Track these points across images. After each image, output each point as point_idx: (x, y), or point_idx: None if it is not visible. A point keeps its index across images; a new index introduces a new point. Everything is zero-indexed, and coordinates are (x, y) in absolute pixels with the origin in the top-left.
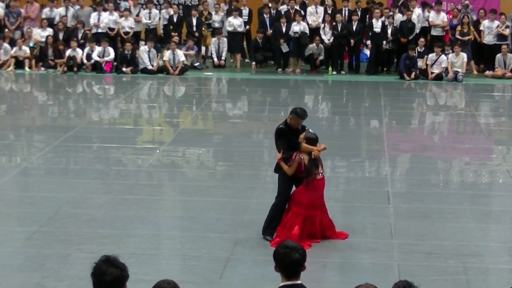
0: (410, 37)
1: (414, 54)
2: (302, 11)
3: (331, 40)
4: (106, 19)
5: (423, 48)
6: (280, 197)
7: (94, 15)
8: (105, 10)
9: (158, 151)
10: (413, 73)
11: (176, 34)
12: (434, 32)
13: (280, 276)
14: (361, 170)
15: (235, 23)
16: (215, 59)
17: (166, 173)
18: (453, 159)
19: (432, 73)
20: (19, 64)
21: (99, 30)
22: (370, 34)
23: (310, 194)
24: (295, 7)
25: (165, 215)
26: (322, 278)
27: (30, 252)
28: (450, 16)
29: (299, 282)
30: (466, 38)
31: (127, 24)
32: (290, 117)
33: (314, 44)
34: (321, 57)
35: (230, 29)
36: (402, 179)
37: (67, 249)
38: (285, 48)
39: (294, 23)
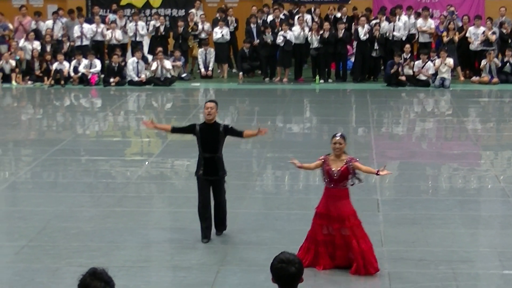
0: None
1: (400, 61)
2: (289, 20)
3: (316, 45)
4: (90, 30)
5: (409, 54)
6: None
7: (76, 27)
8: (87, 22)
9: (146, 162)
10: (403, 76)
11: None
12: (421, 39)
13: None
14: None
15: (222, 33)
16: (202, 70)
17: (155, 184)
18: (441, 165)
19: (419, 80)
20: (5, 78)
21: (84, 43)
22: (356, 41)
23: (322, 202)
24: (281, 16)
25: (155, 226)
26: (313, 287)
27: (19, 267)
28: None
29: None
30: (446, 39)
31: (115, 36)
32: None
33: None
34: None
35: (217, 39)
36: (391, 186)
37: (56, 263)
38: (268, 38)
39: (281, 32)
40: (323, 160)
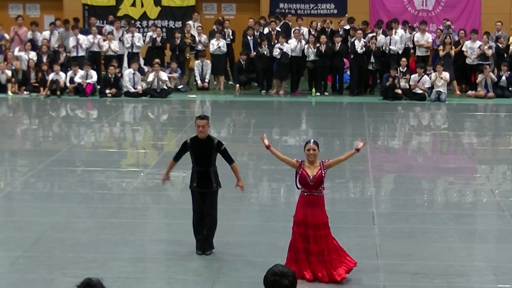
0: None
1: (397, 74)
2: (284, 33)
3: (313, 58)
4: (86, 41)
5: (405, 68)
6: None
7: (72, 39)
8: (82, 33)
9: (142, 174)
10: (399, 90)
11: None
12: (419, 53)
13: None
14: (346, 191)
15: (218, 45)
16: (199, 82)
17: (150, 196)
18: (437, 179)
19: (415, 93)
20: (1, 88)
21: (80, 54)
22: (352, 54)
23: (299, 209)
24: (277, 28)
25: (150, 238)
26: None
27: (15, 277)
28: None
29: None
30: (443, 54)
31: (111, 47)
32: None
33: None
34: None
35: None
36: (386, 199)
37: (51, 274)
38: (265, 50)
39: (277, 45)
40: (298, 164)
